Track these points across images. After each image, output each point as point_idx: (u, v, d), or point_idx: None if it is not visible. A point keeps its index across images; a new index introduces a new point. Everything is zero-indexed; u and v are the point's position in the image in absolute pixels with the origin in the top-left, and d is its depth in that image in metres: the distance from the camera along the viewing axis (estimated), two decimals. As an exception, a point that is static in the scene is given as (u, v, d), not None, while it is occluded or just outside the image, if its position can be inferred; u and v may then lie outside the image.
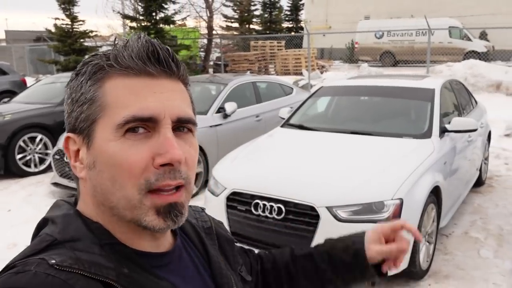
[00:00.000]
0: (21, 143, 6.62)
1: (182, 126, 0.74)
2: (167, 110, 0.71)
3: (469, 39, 20.77)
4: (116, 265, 0.69)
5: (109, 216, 0.73)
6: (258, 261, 1.11)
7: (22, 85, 12.50)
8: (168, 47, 0.75)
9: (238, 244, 1.07)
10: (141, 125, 0.70)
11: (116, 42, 0.75)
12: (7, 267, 0.67)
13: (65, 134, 0.76)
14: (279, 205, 3.33)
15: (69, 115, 0.75)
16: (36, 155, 6.81)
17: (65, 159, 5.55)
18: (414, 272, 3.44)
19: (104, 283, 0.66)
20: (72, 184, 5.47)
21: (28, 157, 6.72)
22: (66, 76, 8.77)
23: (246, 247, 1.15)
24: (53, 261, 0.64)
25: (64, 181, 5.59)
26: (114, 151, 0.69)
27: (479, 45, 20.33)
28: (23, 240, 4.31)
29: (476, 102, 6.17)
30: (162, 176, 0.69)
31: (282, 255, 1.12)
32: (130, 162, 0.68)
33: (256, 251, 1.16)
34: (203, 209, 1.00)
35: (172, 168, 0.70)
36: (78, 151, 0.74)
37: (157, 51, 0.72)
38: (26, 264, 0.64)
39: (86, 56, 0.81)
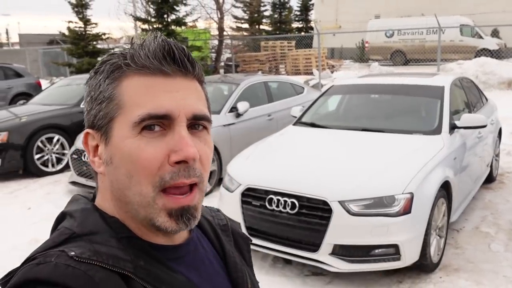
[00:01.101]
0: (39, 143, 6.80)
1: (197, 123, 0.75)
2: (182, 108, 0.72)
3: (481, 37, 20.63)
4: (133, 257, 0.71)
5: (124, 211, 0.75)
6: None
7: (38, 87, 12.75)
8: (184, 47, 0.77)
9: None
10: (157, 123, 0.71)
11: (133, 41, 0.77)
12: (28, 259, 0.69)
13: (84, 131, 0.79)
14: (293, 200, 3.43)
15: (88, 112, 0.77)
16: (54, 155, 6.98)
17: (82, 158, 5.71)
18: (425, 265, 3.52)
19: (121, 275, 0.68)
20: (90, 183, 5.62)
21: (45, 157, 6.89)
22: (81, 78, 8.97)
23: None
24: (73, 253, 0.66)
25: (82, 180, 5.74)
26: (131, 148, 0.71)
27: (491, 43, 20.19)
28: (43, 236, 4.44)
29: (486, 99, 6.21)
30: (176, 175, 0.71)
31: None
32: (146, 159, 0.70)
33: None
34: (218, 210, 1.03)
35: (186, 165, 0.71)
36: (97, 146, 0.77)
37: (173, 51, 0.74)
38: (46, 256, 0.67)
39: (104, 55, 0.87)
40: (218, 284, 0.84)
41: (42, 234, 4.58)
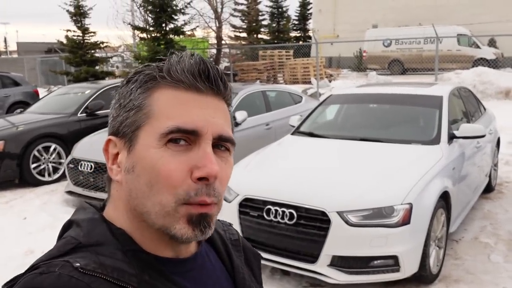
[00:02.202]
0: (35, 152, 6.76)
1: (221, 144, 0.76)
2: (210, 126, 0.73)
3: (478, 47, 20.74)
4: (138, 271, 0.70)
5: (138, 221, 0.75)
6: None
7: (35, 96, 12.72)
8: (218, 68, 0.79)
9: None
10: (183, 137, 0.72)
11: (170, 56, 0.79)
12: (32, 268, 0.68)
13: (106, 136, 0.80)
14: (291, 210, 3.40)
15: (114, 119, 0.78)
16: (50, 164, 6.94)
17: (79, 167, 5.67)
18: (424, 276, 3.48)
19: None
20: (86, 193, 5.58)
21: (42, 167, 6.85)
22: (79, 86, 8.97)
23: None
24: (78, 264, 0.66)
25: (78, 190, 5.70)
26: (155, 158, 0.71)
27: (488, 53, 20.30)
28: (39, 247, 4.41)
29: (484, 109, 6.21)
30: (200, 191, 0.71)
31: None
32: (169, 170, 0.70)
33: None
34: (230, 224, 1.02)
35: (207, 183, 0.71)
36: (117, 154, 0.77)
37: (208, 69, 0.75)
38: (50, 266, 0.66)
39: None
40: None
41: (37, 245, 4.53)
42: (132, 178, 0.74)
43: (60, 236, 0.77)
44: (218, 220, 0.95)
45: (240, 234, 1.01)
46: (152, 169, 0.71)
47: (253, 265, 0.95)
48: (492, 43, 22.39)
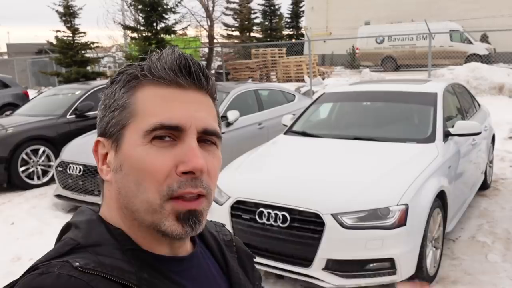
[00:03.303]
0: (23, 155, 6.62)
1: (207, 138, 0.77)
2: (194, 121, 0.74)
3: (470, 42, 20.76)
4: (137, 270, 0.71)
5: (130, 220, 0.75)
6: None
7: (24, 98, 12.54)
8: (200, 62, 0.79)
9: None
10: (168, 134, 0.72)
11: (151, 54, 0.79)
12: (31, 269, 0.68)
13: (95, 138, 0.80)
14: (284, 213, 3.30)
15: (101, 120, 0.79)
16: (39, 167, 6.80)
17: (68, 170, 5.54)
18: (422, 278, 3.39)
19: (124, 286, 0.68)
20: (75, 196, 5.46)
21: (31, 170, 6.71)
22: (68, 87, 8.82)
23: None
24: (77, 264, 0.66)
25: (67, 193, 5.57)
26: (141, 155, 0.72)
27: (481, 48, 20.32)
28: (27, 253, 4.29)
29: (479, 105, 6.14)
30: (184, 184, 0.71)
31: None
32: (155, 167, 0.71)
33: None
34: (223, 225, 1.03)
35: (194, 176, 0.72)
36: (106, 155, 0.78)
37: (189, 64, 0.76)
38: (49, 266, 0.66)
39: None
40: None
41: (25, 251, 4.40)
42: (120, 177, 0.75)
43: (59, 239, 0.77)
44: (211, 221, 0.96)
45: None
46: (138, 167, 0.72)
47: (246, 265, 0.96)
48: (484, 39, 22.42)
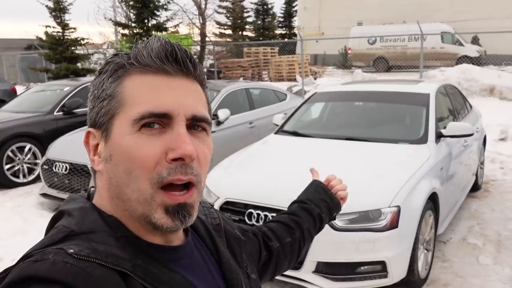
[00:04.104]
0: (9, 153, 6.48)
1: (196, 124, 0.76)
2: (182, 108, 0.73)
3: (461, 44, 20.85)
4: (131, 256, 0.71)
5: (122, 210, 0.75)
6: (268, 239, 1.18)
7: (12, 94, 12.33)
8: (186, 49, 0.78)
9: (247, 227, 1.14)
10: (156, 121, 0.72)
11: (137, 43, 0.79)
12: (25, 257, 0.68)
13: (82, 136, 0.80)
14: (274, 214, 3.23)
15: (91, 111, 0.79)
16: (25, 165, 6.67)
17: (53, 169, 5.42)
18: (413, 281, 3.35)
19: (120, 273, 0.67)
20: (61, 195, 5.34)
21: (16, 168, 6.57)
22: (57, 84, 8.66)
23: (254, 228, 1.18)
24: (71, 251, 0.66)
25: (53, 192, 5.45)
26: (130, 144, 0.72)
27: (472, 50, 20.41)
28: (9, 254, 4.17)
29: (471, 106, 6.12)
30: (173, 171, 0.71)
31: (283, 217, 1.28)
32: (144, 155, 0.71)
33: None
34: (212, 205, 1.02)
35: (183, 163, 0.72)
36: (97, 145, 0.78)
37: (175, 51, 0.75)
38: (44, 253, 0.66)
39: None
40: (214, 286, 0.84)
41: (8, 251, 4.28)
42: (111, 167, 0.74)
43: (50, 227, 0.77)
44: (200, 202, 0.93)
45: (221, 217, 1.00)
46: (128, 156, 0.72)
47: (235, 249, 0.96)
48: (475, 41, 22.53)
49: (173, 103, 0.73)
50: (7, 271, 0.67)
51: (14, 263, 0.69)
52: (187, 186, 0.74)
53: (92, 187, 0.84)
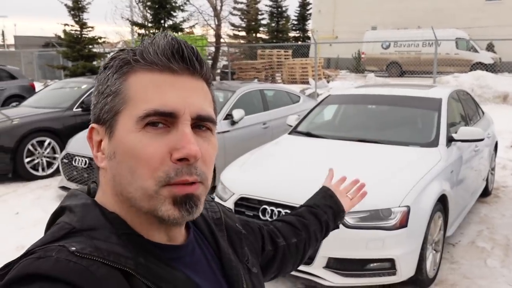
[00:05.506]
0: (29, 146, 6.69)
1: (201, 124, 0.75)
2: (187, 107, 0.73)
3: (476, 51, 20.76)
4: (134, 255, 0.70)
5: (127, 206, 0.75)
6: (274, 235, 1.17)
7: (31, 90, 12.61)
8: (193, 46, 0.77)
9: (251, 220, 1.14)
10: (161, 120, 0.71)
11: (143, 39, 0.78)
12: (27, 253, 0.67)
13: (90, 125, 0.79)
14: (287, 210, 3.35)
15: (94, 106, 0.78)
16: (44, 159, 6.87)
17: (73, 163, 5.60)
18: (421, 280, 3.44)
19: (122, 271, 0.67)
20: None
21: (36, 161, 6.77)
22: (75, 81, 8.89)
23: (259, 222, 1.18)
24: (74, 248, 0.65)
25: (72, 185, 5.63)
26: (134, 142, 0.71)
27: (486, 57, 20.31)
28: (31, 243, 4.33)
29: (483, 112, 6.18)
30: (180, 171, 0.71)
31: (290, 217, 1.27)
32: (148, 154, 0.70)
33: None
34: (212, 199, 1.03)
35: (188, 163, 0.71)
36: (100, 141, 0.77)
37: (182, 49, 0.74)
38: (47, 250, 0.65)
39: (106, 58, 0.86)
40: (215, 283, 0.83)
41: (29, 240, 4.44)
42: (114, 164, 0.74)
43: (51, 223, 0.77)
44: None
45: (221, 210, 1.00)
46: (131, 154, 0.71)
47: (235, 244, 0.95)
48: (490, 48, 22.41)
49: (178, 102, 0.72)
50: (9, 266, 0.67)
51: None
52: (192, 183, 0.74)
53: (93, 182, 0.84)
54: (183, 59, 0.74)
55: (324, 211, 1.29)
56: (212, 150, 0.77)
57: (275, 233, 1.16)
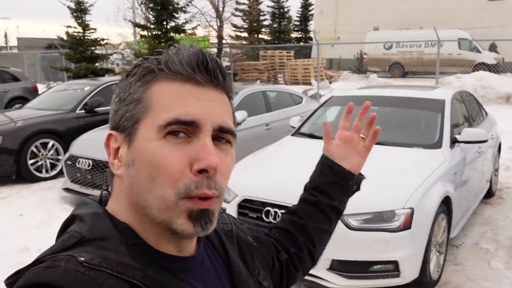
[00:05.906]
0: (33, 148, 6.70)
1: (221, 136, 0.75)
2: (209, 118, 0.73)
3: (479, 51, 20.73)
4: (142, 266, 0.70)
5: (140, 215, 0.74)
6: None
7: (34, 92, 12.64)
8: (217, 59, 0.78)
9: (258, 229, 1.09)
10: (182, 129, 0.71)
11: (168, 49, 0.78)
12: (36, 262, 0.67)
13: (107, 132, 0.79)
14: (290, 212, 3.34)
15: (114, 113, 0.77)
16: (48, 161, 6.88)
17: (76, 164, 5.61)
18: (425, 281, 3.43)
19: (130, 283, 0.67)
20: (83, 190, 5.53)
21: (39, 163, 6.79)
22: (78, 83, 8.91)
23: (265, 231, 1.16)
24: (82, 259, 0.65)
25: (76, 187, 5.64)
26: (154, 150, 0.71)
27: (489, 57, 20.28)
28: (34, 244, 4.35)
29: (486, 113, 6.17)
30: (201, 184, 0.70)
31: (284, 221, 1.18)
32: (168, 163, 0.70)
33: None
34: (224, 210, 1.00)
35: (207, 175, 0.71)
36: (118, 149, 0.76)
37: (207, 61, 0.75)
38: (56, 260, 0.65)
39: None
40: None
41: (33, 242, 4.47)
42: (132, 172, 0.73)
43: (62, 231, 0.77)
44: None
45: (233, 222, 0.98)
46: (152, 162, 0.71)
47: (246, 256, 0.93)
48: (493, 48, 22.38)
49: (200, 113, 0.72)
50: (19, 273, 0.67)
51: (40, 253, 0.70)
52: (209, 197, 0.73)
53: (105, 190, 0.84)
54: (207, 70, 0.75)
55: (323, 192, 1.17)
56: (230, 164, 0.77)
57: (277, 248, 1.11)
